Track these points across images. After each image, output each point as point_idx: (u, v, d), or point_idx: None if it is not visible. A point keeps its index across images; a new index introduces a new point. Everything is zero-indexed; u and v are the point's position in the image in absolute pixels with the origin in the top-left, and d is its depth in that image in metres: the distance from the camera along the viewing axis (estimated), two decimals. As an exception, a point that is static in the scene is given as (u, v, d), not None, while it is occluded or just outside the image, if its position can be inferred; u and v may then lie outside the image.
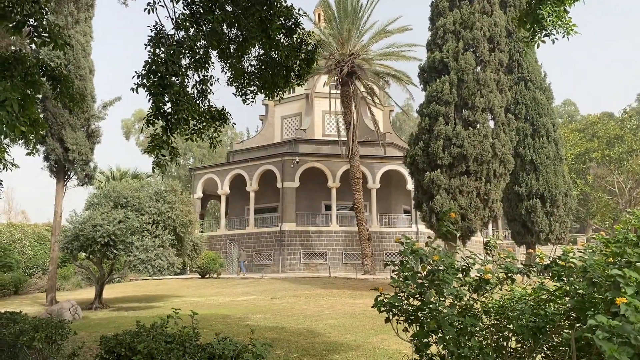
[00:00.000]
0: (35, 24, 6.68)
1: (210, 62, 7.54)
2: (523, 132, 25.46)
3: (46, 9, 6.80)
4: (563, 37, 6.16)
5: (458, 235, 19.67)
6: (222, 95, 8.39)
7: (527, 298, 4.20)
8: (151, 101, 6.39)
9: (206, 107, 7.82)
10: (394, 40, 36.86)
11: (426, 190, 19.96)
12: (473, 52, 20.74)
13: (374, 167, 34.08)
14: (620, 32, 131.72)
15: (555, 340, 4.06)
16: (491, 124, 20.91)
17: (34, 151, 8.63)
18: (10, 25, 6.51)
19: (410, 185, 29.80)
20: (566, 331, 3.89)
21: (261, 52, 8.20)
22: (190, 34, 6.98)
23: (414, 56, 29.01)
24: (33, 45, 7.32)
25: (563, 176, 25.72)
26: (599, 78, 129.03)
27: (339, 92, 30.14)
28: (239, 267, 32.35)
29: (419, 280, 4.22)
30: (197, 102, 7.59)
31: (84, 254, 18.95)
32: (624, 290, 3.10)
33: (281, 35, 7.71)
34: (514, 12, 24.22)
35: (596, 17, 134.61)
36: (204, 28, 7.40)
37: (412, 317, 4.22)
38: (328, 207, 34.71)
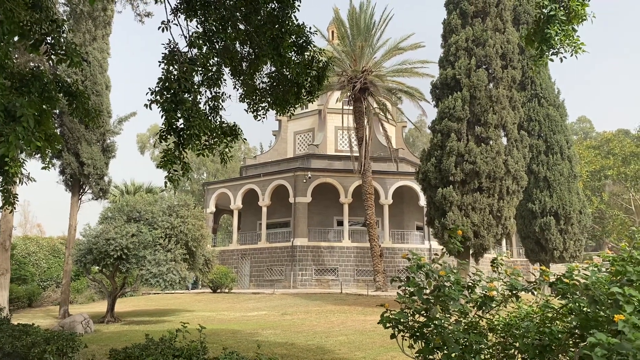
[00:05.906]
0: (52, 42, 6.86)
1: (222, 79, 7.68)
2: (536, 149, 25.32)
3: (64, 27, 6.99)
4: (571, 55, 6.19)
5: (471, 252, 19.53)
6: (234, 110, 8.54)
7: (532, 316, 4.18)
8: (164, 117, 6.53)
9: (218, 123, 7.94)
10: (406, 57, 36.99)
11: (438, 206, 19.88)
12: (485, 69, 20.74)
13: (386, 182, 34.03)
14: (636, 48, 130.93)
15: (562, 358, 4.03)
16: (504, 140, 20.81)
17: (50, 165, 8.79)
18: (29, 43, 6.71)
19: (422, 201, 29.68)
20: (572, 349, 3.87)
21: (272, 69, 8.34)
22: (203, 51, 7.12)
23: (426, 73, 29.10)
24: (51, 62, 7.51)
25: (577, 193, 25.45)
26: (615, 94, 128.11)
27: (351, 108, 30.28)
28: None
29: (425, 296, 4.23)
30: (209, 118, 7.72)
31: (97, 267, 19.11)
32: (623, 307, 3.10)
33: (292, 53, 7.84)
34: (527, 30, 24.20)
35: (611, 32, 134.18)
36: (217, 46, 7.56)
37: (418, 334, 4.22)
38: (340, 223, 34.67)
